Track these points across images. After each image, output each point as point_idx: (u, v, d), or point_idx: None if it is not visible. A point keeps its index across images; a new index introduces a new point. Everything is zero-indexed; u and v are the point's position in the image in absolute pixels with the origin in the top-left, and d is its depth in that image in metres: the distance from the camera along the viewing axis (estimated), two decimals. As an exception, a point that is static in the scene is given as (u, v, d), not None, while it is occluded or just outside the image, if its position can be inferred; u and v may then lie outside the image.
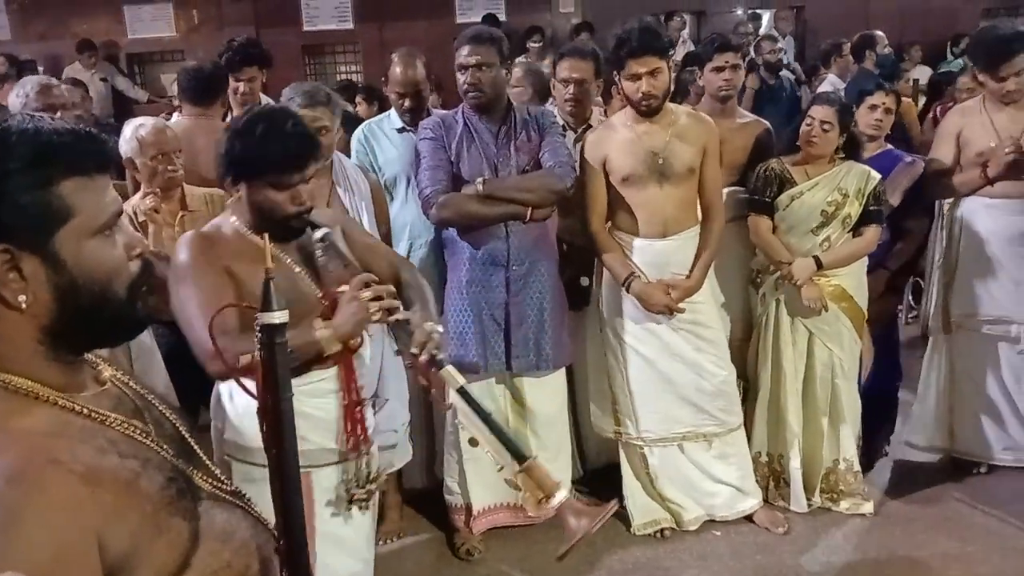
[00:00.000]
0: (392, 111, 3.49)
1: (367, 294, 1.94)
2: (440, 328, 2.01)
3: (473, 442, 1.88)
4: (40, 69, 8.90)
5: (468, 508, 3.31)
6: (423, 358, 1.86)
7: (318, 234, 2.01)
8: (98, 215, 0.99)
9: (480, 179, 3.00)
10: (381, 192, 3.20)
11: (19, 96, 3.38)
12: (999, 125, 3.42)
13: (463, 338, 3.12)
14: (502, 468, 1.81)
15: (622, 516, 3.40)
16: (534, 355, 3.14)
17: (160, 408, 1.13)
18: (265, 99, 4.01)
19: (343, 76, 9.77)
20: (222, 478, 1.13)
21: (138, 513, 0.94)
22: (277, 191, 2.00)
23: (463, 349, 3.12)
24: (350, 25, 9.83)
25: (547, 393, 3.27)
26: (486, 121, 3.08)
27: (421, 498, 3.58)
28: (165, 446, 1.04)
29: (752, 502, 3.38)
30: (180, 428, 1.13)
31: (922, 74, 7.55)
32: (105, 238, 1.00)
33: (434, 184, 2.99)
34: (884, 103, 3.51)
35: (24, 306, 0.95)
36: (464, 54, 3.00)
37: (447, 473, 3.35)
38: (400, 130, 3.42)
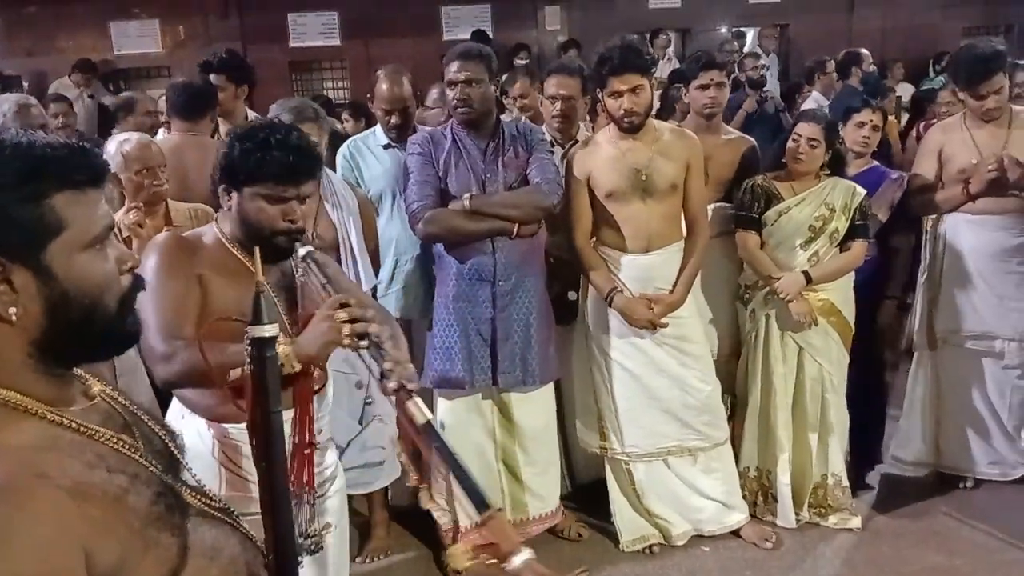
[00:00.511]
0: (377, 127, 3.50)
1: (342, 315, 1.78)
2: (409, 364, 1.83)
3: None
4: (25, 85, 8.87)
5: (455, 525, 3.28)
6: (391, 386, 1.67)
7: (302, 252, 1.94)
8: (90, 229, 0.99)
9: (467, 195, 3.00)
10: (369, 207, 3.20)
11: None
12: (980, 142, 3.46)
13: (450, 353, 3.12)
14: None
15: (610, 533, 3.40)
16: (520, 370, 3.14)
17: (149, 424, 1.12)
18: (252, 115, 3.99)
19: (330, 92, 9.80)
20: (210, 494, 1.12)
21: (126, 528, 0.94)
22: (270, 203, 1.92)
23: (449, 364, 3.12)
24: (337, 42, 9.87)
25: (535, 408, 3.25)
26: (474, 137, 3.08)
27: (408, 515, 3.55)
28: (154, 461, 1.04)
29: (739, 517, 3.38)
30: (169, 444, 1.13)
31: (904, 92, 7.63)
32: (97, 252, 1.00)
33: (421, 200, 3.00)
34: (871, 120, 3.55)
35: (14, 319, 0.94)
36: (453, 70, 3.01)
37: (434, 490, 3.32)
38: (386, 146, 3.42)
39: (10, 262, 0.94)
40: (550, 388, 3.34)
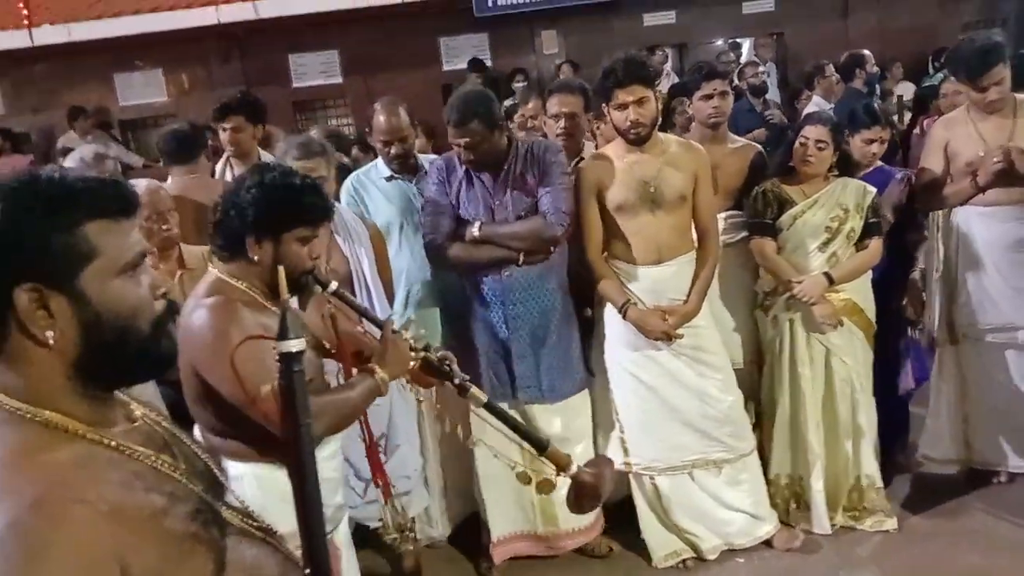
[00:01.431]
0: (379, 160, 3.53)
1: (407, 335, 2.10)
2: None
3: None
4: (34, 141, 9.02)
5: (489, 535, 3.33)
6: (456, 381, 2.12)
7: (332, 287, 2.08)
8: (121, 256, 1.04)
9: (477, 223, 3.07)
10: (380, 238, 3.21)
11: (75, 161, 3.56)
12: (985, 134, 3.45)
13: (470, 369, 3.12)
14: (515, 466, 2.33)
15: (643, 550, 3.36)
16: (537, 387, 3.19)
17: (192, 447, 1.17)
18: (266, 155, 4.03)
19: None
20: (254, 515, 1.15)
21: (161, 542, 0.97)
22: (302, 245, 2.03)
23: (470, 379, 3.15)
24: (339, 79, 9.99)
25: (562, 419, 3.26)
26: (487, 168, 3.13)
27: (439, 545, 3.53)
28: (194, 481, 1.07)
29: (768, 527, 3.34)
30: (211, 466, 1.17)
31: (905, 90, 7.62)
32: (129, 277, 1.05)
33: (434, 231, 3.10)
34: (880, 136, 3.57)
35: (52, 342, 0.99)
36: (452, 134, 3.05)
37: (477, 496, 3.38)
38: (388, 178, 3.44)
39: (47, 288, 0.98)
40: (583, 398, 3.33)
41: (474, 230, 3.07)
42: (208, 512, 1.05)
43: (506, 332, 3.15)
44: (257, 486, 2.03)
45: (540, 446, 2.07)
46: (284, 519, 1.17)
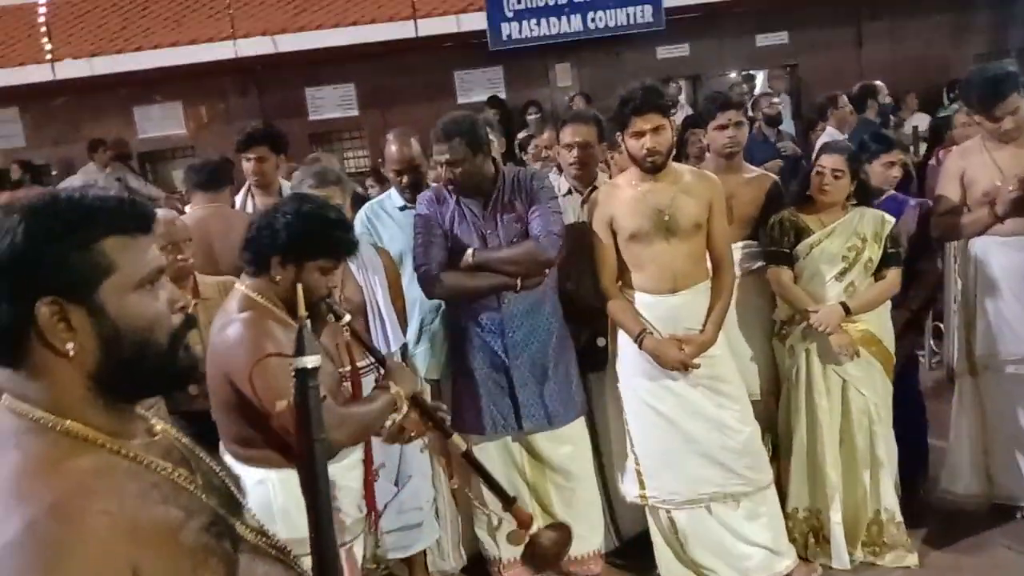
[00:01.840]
0: (392, 190, 3.56)
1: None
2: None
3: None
4: (54, 173, 9.14)
5: (498, 560, 3.33)
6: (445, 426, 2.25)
7: (346, 319, 2.19)
8: (138, 270, 1.07)
9: (470, 251, 3.09)
10: (395, 267, 3.21)
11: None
12: (1002, 163, 3.43)
13: (474, 403, 3.18)
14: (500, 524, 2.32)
15: (659, 585, 3.31)
16: (542, 414, 3.19)
17: (211, 464, 1.19)
18: (287, 185, 4.03)
19: (350, 162, 9.99)
20: (269, 534, 1.17)
21: (174, 551, 0.99)
22: (322, 275, 2.15)
23: (474, 414, 3.18)
24: (355, 112, 10.10)
25: (565, 447, 3.26)
26: (473, 195, 3.16)
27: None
28: (211, 496, 1.10)
29: (787, 562, 3.28)
30: (229, 484, 1.19)
31: (920, 122, 7.62)
32: (147, 292, 1.09)
33: (426, 262, 3.11)
34: (901, 159, 3.59)
35: (71, 353, 1.02)
36: (435, 150, 3.10)
37: (479, 526, 3.37)
38: (402, 208, 3.46)
39: (67, 302, 1.02)
40: (580, 425, 3.33)
41: (468, 257, 3.08)
42: (222, 526, 1.08)
43: (506, 361, 3.16)
44: (281, 489, 2.14)
45: (507, 500, 2.13)
46: (304, 525, 1.20)
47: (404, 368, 2.24)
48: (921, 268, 3.60)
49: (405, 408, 2.19)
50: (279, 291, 2.16)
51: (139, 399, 1.14)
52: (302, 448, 1.15)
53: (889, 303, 3.37)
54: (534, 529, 2.14)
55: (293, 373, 1.15)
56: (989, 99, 3.40)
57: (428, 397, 3.41)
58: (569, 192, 3.55)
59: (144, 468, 1.05)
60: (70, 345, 1.02)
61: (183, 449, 1.16)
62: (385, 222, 3.48)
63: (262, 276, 2.18)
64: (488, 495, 2.80)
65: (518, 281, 3.09)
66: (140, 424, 1.14)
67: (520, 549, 3.18)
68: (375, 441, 2.53)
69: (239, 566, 1.07)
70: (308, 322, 1.22)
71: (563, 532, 2.21)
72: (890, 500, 3.33)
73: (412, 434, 2.32)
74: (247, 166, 4.05)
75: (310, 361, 1.14)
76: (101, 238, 1.04)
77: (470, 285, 3.11)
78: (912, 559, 3.30)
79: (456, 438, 2.27)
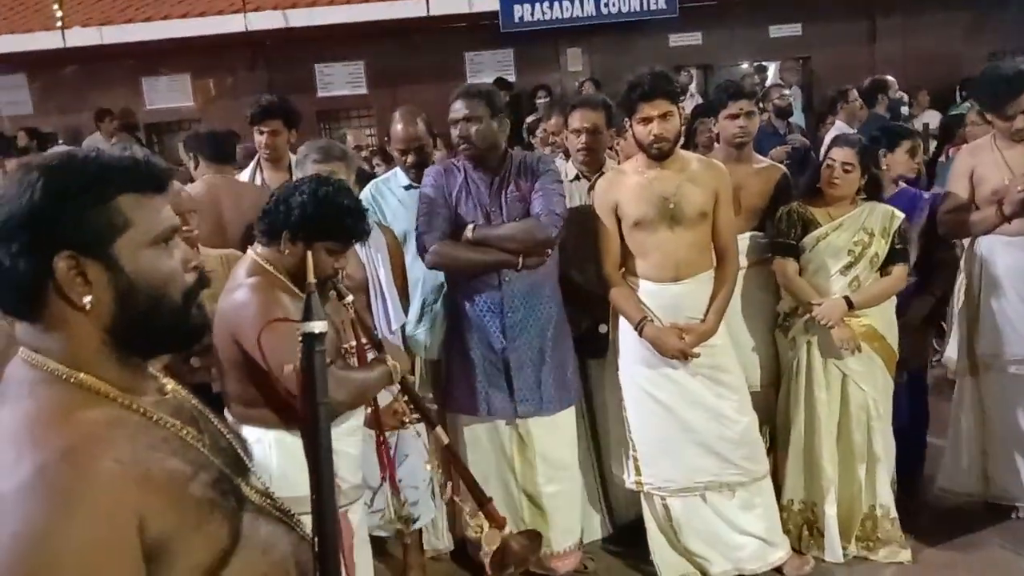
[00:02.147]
0: (398, 169, 3.54)
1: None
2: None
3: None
4: (60, 141, 9.11)
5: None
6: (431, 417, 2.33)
7: (349, 299, 2.28)
8: (153, 228, 1.10)
9: (471, 226, 3.08)
10: (398, 246, 3.21)
11: None
12: (1012, 162, 3.41)
13: (469, 384, 3.18)
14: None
15: (650, 572, 3.32)
16: (536, 398, 3.18)
17: (218, 426, 1.22)
18: (295, 159, 4.04)
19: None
20: (274, 496, 1.20)
21: (180, 505, 1.02)
22: (330, 256, 2.24)
23: (468, 395, 3.18)
24: (364, 90, 10.06)
25: (554, 436, 3.25)
26: (481, 171, 3.15)
27: (445, 557, 3.50)
28: (217, 456, 1.13)
29: (780, 553, 3.28)
30: (236, 446, 1.22)
31: (931, 119, 7.57)
32: (161, 249, 1.11)
33: (429, 230, 3.09)
34: (917, 143, 3.61)
35: (88, 307, 1.05)
36: (454, 109, 3.10)
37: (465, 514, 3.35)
38: (407, 187, 3.45)
39: (83, 257, 1.05)
40: (570, 416, 3.33)
41: (468, 232, 3.08)
42: (227, 485, 1.10)
43: (503, 343, 3.14)
44: (279, 450, 2.24)
45: (482, 500, 2.14)
46: (302, 485, 1.21)
47: (400, 351, 2.35)
48: (940, 257, 3.60)
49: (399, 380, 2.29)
50: (287, 263, 2.25)
51: (152, 355, 1.17)
52: (306, 410, 1.16)
53: (894, 300, 3.36)
54: (507, 531, 2.16)
55: (300, 338, 1.17)
56: (1001, 98, 3.37)
57: (428, 377, 3.44)
58: (577, 178, 3.54)
59: (154, 423, 1.08)
60: (87, 299, 1.05)
61: (192, 409, 1.19)
62: (389, 201, 3.47)
63: (273, 246, 2.28)
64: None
65: (520, 259, 3.07)
66: (152, 382, 1.17)
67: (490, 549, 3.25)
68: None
69: (243, 524, 1.09)
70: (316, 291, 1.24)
71: (534, 539, 2.26)
72: (885, 495, 3.33)
73: (405, 420, 2.42)
74: (260, 139, 4.03)
75: (317, 326, 1.16)
76: (117, 195, 1.07)
77: (467, 257, 3.09)
78: (905, 555, 3.31)
79: (439, 431, 2.32)
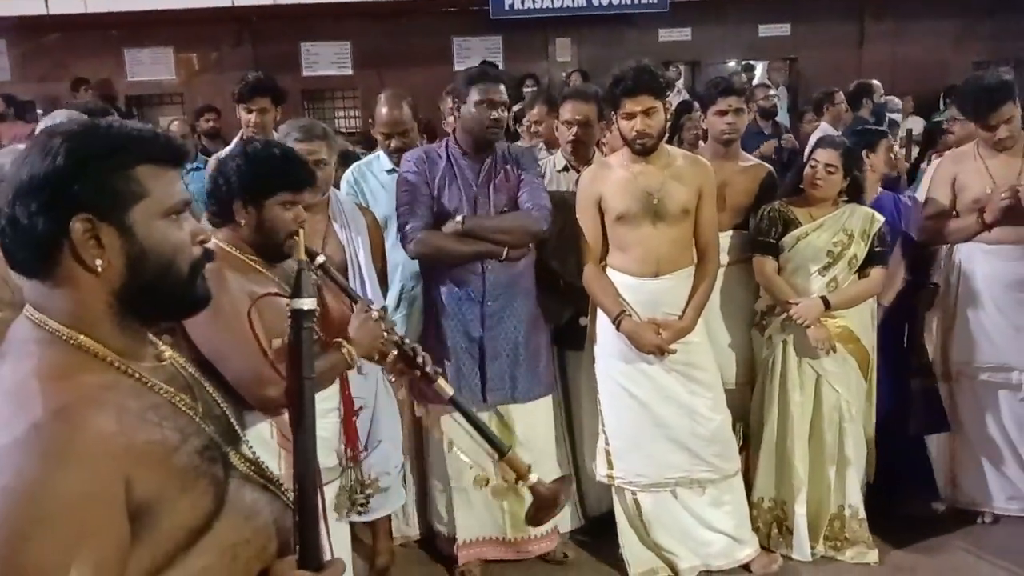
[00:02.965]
0: (381, 152, 3.50)
1: (374, 314, 2.18)
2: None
3: (449, 445, 2.33)
4: (40, 111, 8.95)
5: (453, 539, 3.32)
6: (428, 369, 2.21)
7: (319, 259, 2.20)
8: (167, 199, 1.14)
9: (460, 216, 3.04)
10: (378, 228, 3.17)
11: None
12: (994, 171, 3.43)
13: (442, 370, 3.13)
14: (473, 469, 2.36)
15: (620, 564, 3.32)
16: (509, 388, 3.18)
17: (213, 395, 1.26)
18: (275, 136, 3.99)
19: (342, 122, 9.87)
20: (263, 465, 1.24)
21: (165, 469, 1.06)
22: (285, 209, 2.15)
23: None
24: (349, 71, 9.96)
25: (532, 421, 3.26)
26: (469, 158, 3.13)
27: (413, 545, 3.50)
28: (209, 423, 1.17)
29: (748, 551, 3.30)
30: (229, 415, 1.25)
31: (915, 125, 7.62)
32: (172, 221, 1.15)
33: (413, 219, 3.05)
34: (894, 144, 3.62)
35: (100, 269, 1.09)
36: (487, 94, 3.05)
37: (436, 503, 3.38)
38: (390, 171, 3.41)
39: (99, 221, 1.09)
40: (547, 404, 3.33)
41: (457, 223, 3.03)
42: (215, 451, 1.14)
43: (480, 331, 3.14)
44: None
45: (501, 450, 2.06)
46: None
47: (368, 324, 2.18)
48: (932, 249, 3.67)
49: (358, 363, 2.18)
50: (246, 235, 2.18)
51: (154, 321, 1.22)
52: (292, 384, 1.21)
53: (872, 302, 3.37)
54: (533, 479, 2.05)
55: (289, 314, 1.20)
56: (983, 107, 3.39)
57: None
58: (565, 169, 3.51)
59: (147, 389, 1.12)
60: (99, 261, 1.09)
61: (188, 377, 1.23)
62: (371, 184, 3.44)
63: (229, 225, 2.20)
64: (471, 451, 2.79)
65: (505, 250, 3.07)
66: (150, 349, 1.21)
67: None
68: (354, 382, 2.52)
69: (228, 491, 1.13)
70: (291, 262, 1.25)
71: (562, 482, 2.16)
72: (855, 497, 3.35)
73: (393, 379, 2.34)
74: (247, 117, 3.97)
75: (306, 303, 1.19)
76: (136, 164, 1.12)
77: (457, 249, 3.05)
78: (872, 556, 3.33)
79: (442, 382, 2.24)
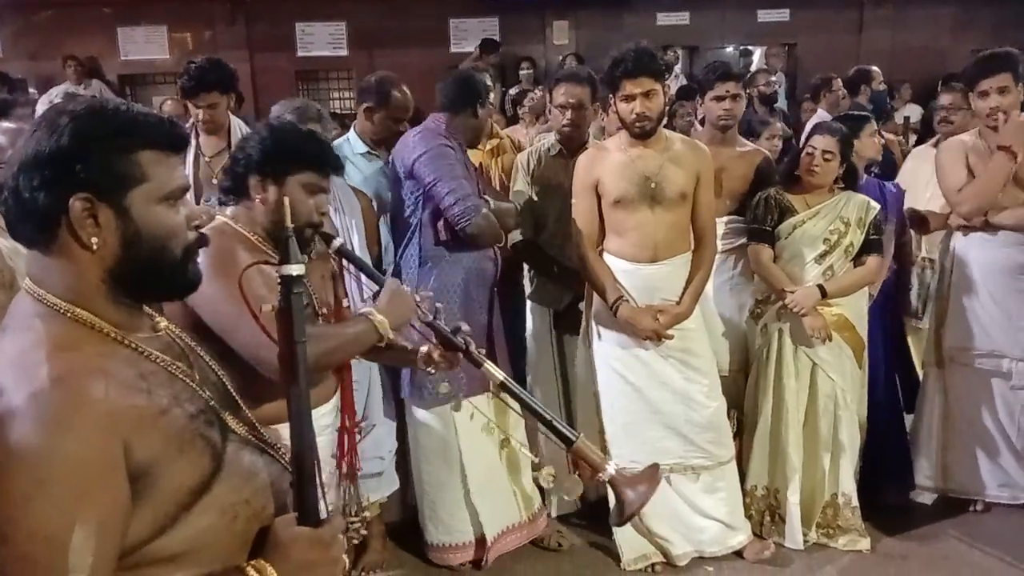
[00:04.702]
0: (351, 134, 3.43)
1: (407, 289, 2.07)
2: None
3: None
4: (32, 91, 8.88)
5: (481, 541, 3.26)
6: (474, 351, 2.03)
7: (336, 243, 2.11)
8: (166, 185, 1.17)
9: (488, 199, 3.08)
10: (372, 212, 3.15)
11: (44, 104, 3.39)
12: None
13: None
14: (539, 465, 2.01)
15: (612, 551, 3.32)
16: (508, 369, 3.20)
17: (209, 363, 1.30)
18: (236, 121, 3.71)
19: (336, 103, 9.80)
20: (259, 428, 1.28)
21: (162, 433, 1.10)
22: (307, 194, 1.99)
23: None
24: (344, 52, 9.89)
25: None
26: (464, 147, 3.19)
27: (399, 529, 3.48)
28: (206, 389, 1.21)
29: (741, 537, 3.31)
30: (225, 382, 1.30)
31: (912, 112, 7.59)
32: (170, 206, 1.18)
33: (472, 197, 2.97)
34: (878, 129, 3.62)
35: (95, 248, 1.13)
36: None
37: (431, 518, 3.28)
38: (364, 154, 3.37)
39: (98, 200, 1.12)
40: None
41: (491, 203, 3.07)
42: (211, 415, 1.18)
43: (487, 315, 3.20)
44: None
45: (567, 440, 1.82)
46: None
47: (399, 296, 2.03)
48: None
49: (391, 336, 1.99)
50: (260, 215, 2.02)
51: (146, 300, 1.24)
52: (285, 350, 1.22)
53: (866, 290, 3.36)
54: (610, 472, 1.77)
55: (278, 280, 1.22)
56: (978, 73, 3.31)
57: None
58: (560, 153, 3.48)
59: (142, 357, 1.16)
60: (94, 240, 1.12)
61: (183, 346, 1.27)
62: (347, 167, 3.38)
63: (241, 203, 2.06)
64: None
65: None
66: (146, 320, 1.24)
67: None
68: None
69: (227, 453, 1.17)
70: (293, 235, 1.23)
71: (652, 472, 1.88)
72: (848, 485, 3.35)
73: (441, 365, 2.13)
74: (196, 113, 3.52)
75: (295, 269, 1.21)
76: (139, 149, 1.14)
77: (498, 231, 3.11)
78: (864, 544, 3.34)
79: (489, 366, 2.01)
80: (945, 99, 4.27)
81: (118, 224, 1.14)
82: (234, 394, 1.30)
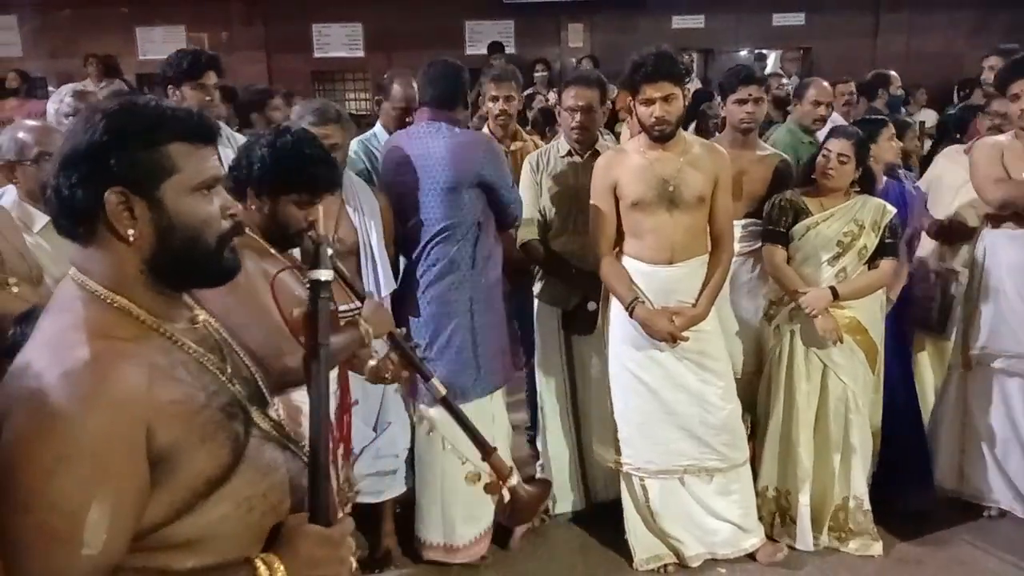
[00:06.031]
0: (377, 127, 3.60)
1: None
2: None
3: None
4: (50, 88, 8.96)
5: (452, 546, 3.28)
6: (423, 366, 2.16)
7: (328, 252, 2.09)
8: (197, 175, 1.21)
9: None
10: (390, 211, 3.16)
11: (55, 102, 3.46)
12: None
13: (466, 360, 3.18)
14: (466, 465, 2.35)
15: (625, 550, 3.33)
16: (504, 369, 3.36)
17: (244, 358, 1.33)
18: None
19: (352, 104, 9.85)
20: (286, 427, 1.32)
21: (185, 422, 1.13)
22: (299, 208, 2.12)
23: (464, 371, 3.17)
24: (361, 53, 9.94)
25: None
26: None
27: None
28: (237, 384, 1.25)
29: (754, 540, 3.31)
30: (258, 378, 1.33)
31: (928, 117, 7.55)
32: (203, 196, 1.22)
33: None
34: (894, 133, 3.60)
35: (131, 239, 1.17)
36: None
37: (427, 512, 3.30)
38: None
39: (132, 194, 1.16)
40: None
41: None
42: (237, 409, 1.22)
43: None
44: None
45: (486, 450, 2.04)
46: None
47: (382, 309, 2.21)
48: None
49: (375, 346, 2.13)
50: (255, 219, 2.13)
51: (183, 289, 1.28)
52: (309, 351, 1.27)
53: (880, 293, 3.35)
54: (513, 481, 2.03)
55: (307, 285, 1.28)
56: (1007, 77, 3.33)
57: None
58: (569, 154, 3.49)
59: (176, 346, 1.20)
60: (131, 232, 1.17)
61: (219, 339, 1.31)
62: (376, 162, 3.45)
63: (242, 203, 2.13)
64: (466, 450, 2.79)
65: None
66: (185, 311, 1.28)
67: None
68: (352, 380, 2.49)
69: (248, 447, 1.21)
70: (300, 254, 1.28)
71: (542, 486, 2.13)
72: (859, 488, 3.35)
73: (388, 376, 2.21)
74: (192, 94, 3.26)
75: (324, 274, 1.25)
76: (169, 142, 1.18)
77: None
78: (877, 548, 3.33)
79: (435, 381, 2.16)
80: (996, 105, 4.19)
81: (152, 216, 1.18)
82: (264, 390, 1.32)
